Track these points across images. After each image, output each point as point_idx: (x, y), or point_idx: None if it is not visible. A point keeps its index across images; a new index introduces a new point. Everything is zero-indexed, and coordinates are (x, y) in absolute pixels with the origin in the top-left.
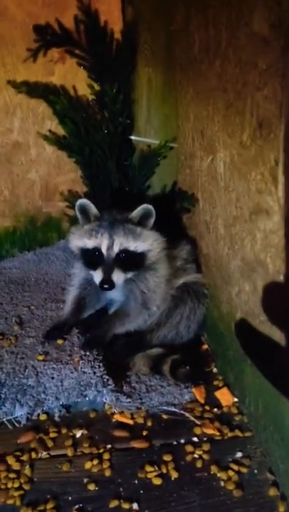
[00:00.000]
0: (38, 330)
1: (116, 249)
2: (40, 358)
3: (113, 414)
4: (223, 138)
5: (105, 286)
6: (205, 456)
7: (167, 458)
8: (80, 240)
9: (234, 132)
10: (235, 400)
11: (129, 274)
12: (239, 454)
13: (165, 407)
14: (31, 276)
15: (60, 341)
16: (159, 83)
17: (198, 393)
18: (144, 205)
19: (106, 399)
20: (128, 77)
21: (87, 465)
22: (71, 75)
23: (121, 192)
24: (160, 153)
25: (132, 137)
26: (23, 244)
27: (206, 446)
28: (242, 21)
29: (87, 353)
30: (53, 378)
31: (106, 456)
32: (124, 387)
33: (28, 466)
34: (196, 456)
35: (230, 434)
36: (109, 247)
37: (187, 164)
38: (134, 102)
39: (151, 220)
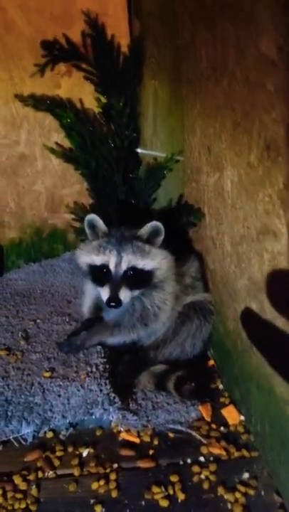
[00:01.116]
0: (44, 345)
1: (124, 266)
2: (47, 374)
3: (119, 432)
4: (231, 156)
5: (112, 304)
6: (212, 477)
7: (174, 478)
8: (88, 256)
9: (242, 152)
10: (242, 418)
11: (136, 292)
12: (246, 475)
13: (171, 425)
14: (37, 288)
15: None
16: (165, 96)
17: (205, 411)
18: (154, 223)
19: (112, 417)
20: (134, 91)
21: (94, 485)
22: (78, 88)
23: (127, 205)
24: (166, 166)
25: (139, 150)
26: (29, 255)
27: (212, 467)
28: (250, 42)
29: (94, 370)
30: (59, 396)
31: (112, 476)
32: (131, 405)
33: (34, 485)
34: (202, 477)
35: (236, 454)
36: (117, 265)
37: (193, 178)
38: (140, 115)
39: (160, 238)
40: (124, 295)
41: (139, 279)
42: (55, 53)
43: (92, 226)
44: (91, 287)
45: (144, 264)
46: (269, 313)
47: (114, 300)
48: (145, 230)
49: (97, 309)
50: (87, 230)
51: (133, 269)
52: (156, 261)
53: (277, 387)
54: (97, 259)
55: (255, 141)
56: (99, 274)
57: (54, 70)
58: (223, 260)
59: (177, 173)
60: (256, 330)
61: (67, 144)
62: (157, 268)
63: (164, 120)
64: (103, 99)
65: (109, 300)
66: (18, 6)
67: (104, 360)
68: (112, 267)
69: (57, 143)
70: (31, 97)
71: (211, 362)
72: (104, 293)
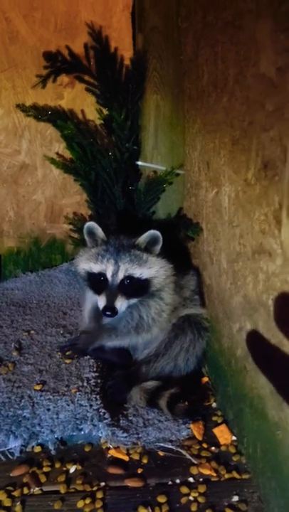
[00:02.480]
0: (36, 357)
1: (121, 275)
2: (37, 387)
3: (108, 448)
4: (229, 173)
5: (107, 313)
6: (200, 499)
7: (161, 499)
8: (86, 264)
9: (239, 169)
10: (234, 438)
11: (133, 300)
12: (235, 498)
13: (162, 444)
14: (33, 298)
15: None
16: (167, 110)
17: (197, 429)
18: (152, 231)
19: (102, 433)
20: (136, 104)
21: (80, 503)
22: (80, 100)
23: (127, 216)
24: (166, 179)
25: (139, 163)
26: (27, 265)
27: (201, 488)
28: (250, 61)
29: (85, 384)
30: (48, 410)
31: (99, 494)
32: (121, 421)
33: (19, 502)
34: (191, 498)
35: (227, 476)
36: (114, 274)
37: (193, 192)
38: (141, 128)
39: (158, 246)
40: (120, 304)
41: (135, 287)
42: (58, 65)
43: (92, 233)
44: (91, 294)
45: (141, 273)
46: (263, 333)
47: (110, 309)
48: (143, 238)
49: (98, 315)
50: (87, 238)
51: (130, 278)
52: (153, 270)
53: (269, 410)
54: (95, 267)
55: (252, 159)
56: (96, 282)
57: (57, 81)
58: (220, 277)
59: (177, 187)
60: (263, 354)
61: (68, 154)
62: (155, 277)
63: (165, 134)
64: (105, 111)
65: (105, 309)
66: (23, 17)
67: (96, 374)
68: (109, 275)
69: (58, 153)
70: (33, 107)
71: (206, 379)
72: (101, 301)
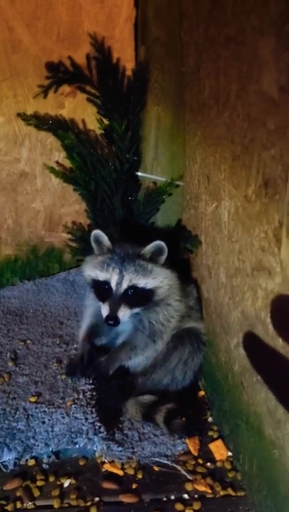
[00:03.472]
0: (32, 367)
1: (125, 285)
2: (33, 399)
3: (103, 463)
4: (229, 188)
5: (110, 322)
6: None
7: None
8: (92, 271)
9: (240, 184)
10: (230, 454)
11: (136, 310)
12: None
13: (157, 459)
14: (30, 307)
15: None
16: (167, 122)
17: (192, 444)
18: (157, 242)
19: (97, 447)
20: (137, 115)
21: None
22: (81, 109)
23: (129, 225)
24: (166, 190)
25: (139, 173)
26: (24, 273)
27: (196, 505)
28: (252, 78)
29: (80, 397)
30: (43, 423)
31: (93, 510)
32: (117, 434)
33: None
34: None
35: (222, 493)
36: (119, 283)
37: (192, 205)
38: (142, 139)
39: (163, 257)
40: (123, 313)
41: (139, 297)
42: (60, 75)
43: (98, 241)
44: (91, 304)
45: (146, 283)
46: None
47: (112, 318)
48: (148, 248)
49: (94, 332)
50: (93, 245)
51: (134, 287)
52: (158, 280)
53: (266, 428)
54: (101, 275)
55: (253, 176)
56: (101, 290)
57: (58, 90)
58: (218, 291)
59: (176, 199)
60: (260, 357)
61: (67, 163)
62: (159, 287)
63: (166, 145)
64: (106, 122)
65: (108, 318)
66: (26, 26)
67: (92, 386)
68: (113, 284)
69: (58, 162)
70: (34, 116)
71: (202, 392)
72: (104, 310)
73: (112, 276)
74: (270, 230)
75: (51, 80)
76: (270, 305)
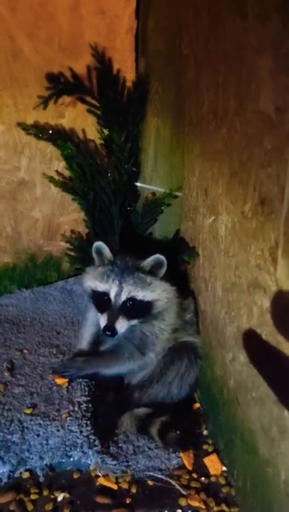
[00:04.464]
0: (28, 378)
1: (124, 297)
2: (28, 411)
3: (97, 476)
4: (226, 203)
5: (108, 333)
6: None
7: None
8: (92, 281)
9: (237, 200)
10: (224, 468)
11: (134, 322)
12: None
13: (151, 473)
14: (27, 315)
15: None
16: (167, 134)
17: (187, 458)
18: (157, 256)
19: (91, 461)
20: (137, 126)
21: None
22: (81, 119)
23: (128, 236)
24: (164, 201)
25: (138, 184)
26: (22, 281)
27: None
28: (249, 95)
29: (76, 409)
30: (38, 436)
31: None
32: (111, 447)
33: None
34: None
35: (216, 509)
36: (118, 295)
37: (190, 216)
38: (141, 150)
39: (163, 270)
40: (121, 325)
41: (138, 309)
42: (60, 86)
43: (99, 253)
44: (93, 315)
45: (144, 295)
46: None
47: (110, 329)
48: (148, 261)
49: (96, 341)
50: (94, 256)
51: (132, 299)
52: (156, 293)
53: (260, 446)
54: (100, 286)
55: (250, 194)
56: (100, 301)
57: (58, 101)
58: (214, 304)
59: (175, 209)
60: (260, 354)
61: (67, 173)
62: (157, 300)
63: (165, 157)
64: (105, 132)
65: (105, 329)
66: (27, 35)
67: (88, 398)
68: (112, 296)
69: (57, 171)
70: (34, 126)
71: (197, 405)
72: (102, 321)
73: (111, 288)
74: (266, 248)
75: (51, 90)
76: (271, 302)
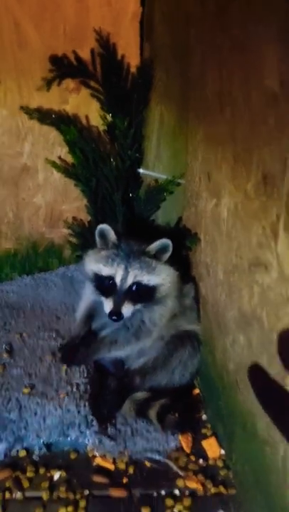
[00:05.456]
0: (27, 360)
1: (129, 281)
2: (26, 391)
3: (94, 456)
4: (229, 185)
5: (114, 317)
6: None
7: (146, 510)
8: (95, 265)
9: (239, 182)
10: (222, 452)
11: (138, 306)
12: None
13: (149, 454)
14: (27, 301)
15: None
16: (170, 120)
17: (185, 441)
18: (164, 240)
19: (88, 441)
20: (141, 112)
21: (62, 511)
22: (85, 105)
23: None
24: (167, 188)
25: (141, 170)
26: (23, 268)
27: (186, 502)
28: (254, 73)
29: (74, 390)
30: (36, 414)
31: (82, 503)
32: (109, 429)
33: (0, 507)
34: (175, 511)
35: (213, 490)
36: (123, 279)
37: (193, 203)
38: (144, 137)
39: (167, 254)
40: (127, 309)
41: (142, 293)
42: (63, 69)
43: (103, 235)
44: (89, 292)
45: (149, 279)
46: (256, 349)
47: (116, 314)
48: (154, 246)
49: (89, 317)
50: (97, 239)
51: (138, 284)
52: (161, 277)
53: (259, 427)
54: (105, 270)
55: (253, 173)
56: (104, 285)
57: (63, 84)
58: (215, 288)
59: (177, 197)
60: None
61: (70, 159)
62: (161, 284)
63: (168, 144)
64: (109, 118)
65: (111, 314)
66: (33, 21)
67: (86, 380)
68: (118, 280)
69: (60, 157)
70: (37, 110)
71: (197, 391)
72: (108, 305)
73: (117, 272)
74: (268, 225)
75: (55, 73)
76: (278, 339)
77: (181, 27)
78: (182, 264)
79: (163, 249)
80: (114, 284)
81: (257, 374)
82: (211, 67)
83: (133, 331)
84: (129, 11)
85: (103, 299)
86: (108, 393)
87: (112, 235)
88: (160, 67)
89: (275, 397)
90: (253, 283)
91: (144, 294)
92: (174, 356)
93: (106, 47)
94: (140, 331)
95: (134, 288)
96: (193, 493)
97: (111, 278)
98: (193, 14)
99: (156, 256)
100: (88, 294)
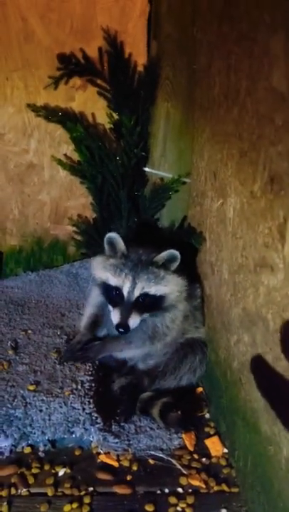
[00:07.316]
0: (32, 357)
1: (137, 293)
2: (31, 387)
3: (99, 453)
4: (235, 184)
5: (121, 330)
6: (188, 510)
7: (149, 508)
8: (103, 273)
9: (246, 181)
10: (225, 450)
11: (145, 315)
12: (223, 511)
13: (152, 452)
14: (32, 298)
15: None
16: (176, 119)
17: (188, 439)
18: (172, 251)
19: (93, 438)
20: (147, 110)
21: (66, 508)
22: (91, 103)
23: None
24: (172, 187)
25: (146, 169)
26: (28, 264)
27: (190, 499)
28: (262, 74)
29: (79, 387)
30: (41, 411)
31: (87, 499)
32: (113, 426)
33: (6, 503)
34: (178, 509)
35: (216, 488)
36: (131, 290)
37: (198, 202)
38: (150, 135)
39: (175, 264)
40: (134, 321)
41: (150, 303)
42: (71, 67)
43: (111, 244)
44: (96, 294)
45: (157, 290)
46: (260, 347)
47: (123, 327)
48: (162, 256)
49: (96, 321)
50: (106, 247)
51: (145, 295)
52: (168, 287)
53: (262, 425)
54: (113, 280)
55: (259, 173)
56: (112, 294)
57: (69, 82)
58: (220, 287)
59: (182, 195)
60: (267, 381)
61: (75, 156)
62: (169, 293)
63: (174, 142)
64: (115, 116)
65: (118, 326)
66: (40, 17)
67: (91, 378)
68: (125, 292)
69: (66, 155)
70: (44, 107)
71: (200, 389)
72: (115, 317)
73: (124, 283)
74: (275, 226)
75: (62, 71)
76: (281, 330)
77: (187, 19)
78: (187, 263)
79: (171, 259)
80: (122, 295)
81: (259, 364)
82: (217, 61)
83: (149, 334)
84: (137, 8)
85: (110, 307)
86: (122, 393)
87: (120, 244)
88: (167, 64)
89: (278, 388)
90: (258, 283)
91: (151, 304)
92: (183, 363)
93: (113, 45)
94: (155, 334)
95: (141, 299)
96: (196, 491)
97: (118, 289)
98: (200, 5)
99: (165, 265)
100: (94, 297)
